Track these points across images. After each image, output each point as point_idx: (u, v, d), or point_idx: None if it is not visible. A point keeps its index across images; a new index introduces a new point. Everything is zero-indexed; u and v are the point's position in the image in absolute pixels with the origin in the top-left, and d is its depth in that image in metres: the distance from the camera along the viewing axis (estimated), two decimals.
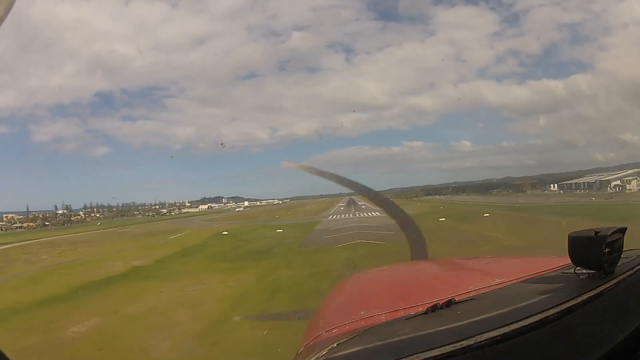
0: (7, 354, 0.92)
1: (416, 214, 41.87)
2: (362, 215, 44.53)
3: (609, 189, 59.15)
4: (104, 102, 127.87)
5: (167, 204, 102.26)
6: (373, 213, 46.02)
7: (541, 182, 74.52)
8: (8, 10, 1.05)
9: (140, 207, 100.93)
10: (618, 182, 59.17)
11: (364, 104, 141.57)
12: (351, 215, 45.04)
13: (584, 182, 66.21)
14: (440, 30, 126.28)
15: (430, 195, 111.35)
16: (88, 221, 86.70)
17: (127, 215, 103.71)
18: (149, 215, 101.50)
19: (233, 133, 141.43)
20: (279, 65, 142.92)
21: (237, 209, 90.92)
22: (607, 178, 61.49)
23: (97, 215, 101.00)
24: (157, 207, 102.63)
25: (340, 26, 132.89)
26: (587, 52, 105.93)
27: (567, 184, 68.11)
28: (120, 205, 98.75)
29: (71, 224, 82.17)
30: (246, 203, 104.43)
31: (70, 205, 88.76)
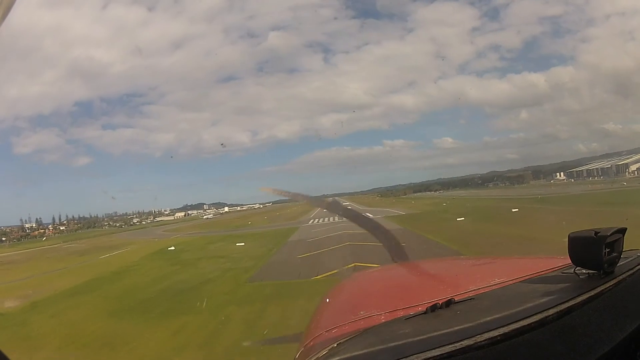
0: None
1: (420, 214, 33.80)
2: None
3: (626, 173, 52.88)
4: (84, 111, 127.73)
5: (144, 213, 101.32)
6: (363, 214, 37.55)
7: (537, 173, 71.63)
8: (7, 11, 1.02)
9: (116, 217, 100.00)
10: (639, 165, 52.60)
11: (345, 104, 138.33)
12: (337, 219, 36.21)
13: (596, 169, 59.63)
14: (420, 27, 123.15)
15: (419, 192, 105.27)
16: (48, 235, 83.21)
17: (95, 227, 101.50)
18: (116, 226, 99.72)
19: (213, 138, 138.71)
20: (258, 66, 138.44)
21: (204, 217, 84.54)
22: (624, 162, 55.03)
23: (62, 228, 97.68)
24: (132, 216, 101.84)
25: (319, 25, 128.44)
26: (569, 45, 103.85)
27: (577, 171, 61.79)
28: (103, 215, 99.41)
29: (29, 238, 78.00)
30: (226, 208, 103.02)
31: (40, 219, 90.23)
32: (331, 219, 36.89)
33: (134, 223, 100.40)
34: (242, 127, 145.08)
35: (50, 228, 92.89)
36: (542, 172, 70.95)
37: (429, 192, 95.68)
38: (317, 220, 37.39)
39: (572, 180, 59.06)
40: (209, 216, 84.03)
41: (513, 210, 24.72)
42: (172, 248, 25.84)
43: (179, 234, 41.31)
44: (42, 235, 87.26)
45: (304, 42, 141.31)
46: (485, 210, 28.46)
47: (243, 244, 22.80)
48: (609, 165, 57.05)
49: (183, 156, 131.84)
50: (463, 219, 22.82)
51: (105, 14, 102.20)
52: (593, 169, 59.93)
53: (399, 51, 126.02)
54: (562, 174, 63.40)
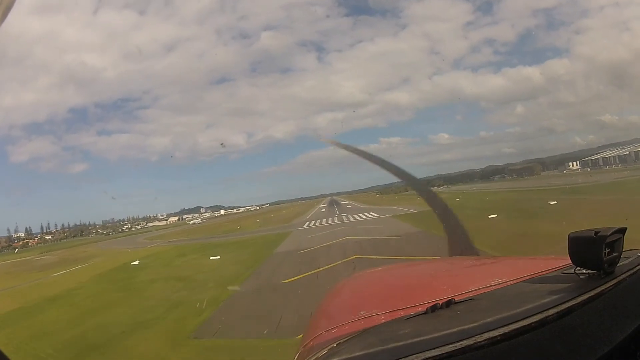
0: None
1: (430, 211, 29.57)
2: (351, 218, 31.11)
3: None
4: (79, 118, 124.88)
5: (139, 218, 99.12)
6: (366, 214, 32.55)
7: (548, 164, 69.07)
8: (7, 12, 0.99)
9: (109, 224, 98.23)
10: None
11: (340, 102, 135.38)
12: (336, 220, 31.39)
13: (613, 156, 55.61)
14: (413, 22, 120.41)
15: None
16: (31, 245, 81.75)
17: (82, 235, 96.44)
18: (103, 233, 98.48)
19: (209, 140, 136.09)
20: (251, 67, 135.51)
21: (191, 222, 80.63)
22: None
23: (48, 237, 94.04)
24: (123, 222, 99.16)
25: (311, 24, 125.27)
26: (563, 37, 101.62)
27: (592, 160, 57.79)
28: (100, 222, 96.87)
29: (11, 249, 75.86)
30: (222, 211, 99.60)
31: (30, 228, 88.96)
32: (330, 220, 32.13)
33: (122, 230, 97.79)
34: (237, 128, 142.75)
35: (37, 238, 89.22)
36: (545, 164, 67.84)
37: (431, 188, 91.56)
38: (313, 222, 32.59)
39: (588, 169, 55.11)
40: (197, 221, 79.50)
41: (551, 203, 20.20)
42: (136, 263, 21.40)
43: (158, 242, 37.21)
44: (25, 245, 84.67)
45: (296, 41, 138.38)
46: (516, 205, 23.93)
47: (218, 257, 18.17)
48: (627, 152, 53.16)
49: (180, 160, 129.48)
50: (495, 215, 18.23)
51: (96, 19, 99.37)
52: (610, 156, 56.15)
53: (393, 48, 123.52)
54: (577, 163, 59.65)
